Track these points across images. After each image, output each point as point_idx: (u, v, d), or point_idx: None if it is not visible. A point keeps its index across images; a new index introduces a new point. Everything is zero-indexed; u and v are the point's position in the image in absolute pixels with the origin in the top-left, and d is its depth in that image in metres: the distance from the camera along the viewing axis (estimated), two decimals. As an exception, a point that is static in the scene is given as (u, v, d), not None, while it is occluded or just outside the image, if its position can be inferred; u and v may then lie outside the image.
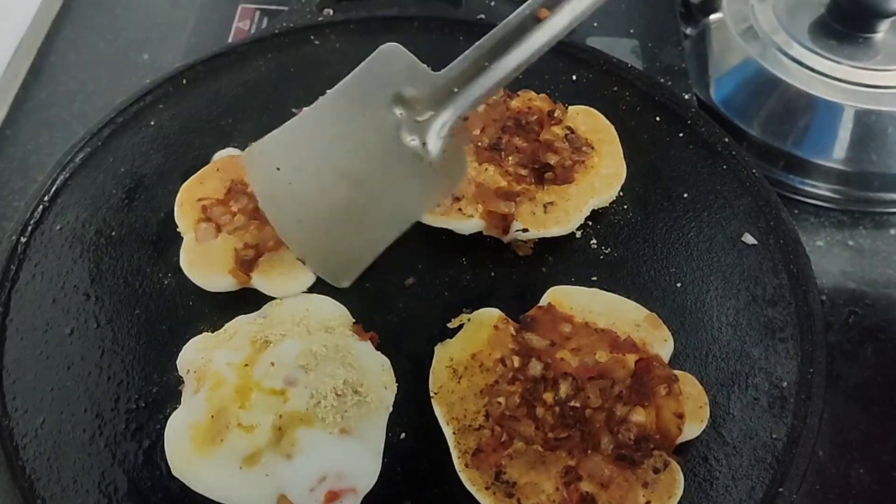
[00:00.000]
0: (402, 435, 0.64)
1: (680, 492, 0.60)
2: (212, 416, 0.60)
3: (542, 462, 0.60)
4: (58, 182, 0.79)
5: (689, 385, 0.65)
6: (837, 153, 0.88)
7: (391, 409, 0.64)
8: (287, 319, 0.67)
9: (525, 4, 0.65)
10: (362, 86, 0.68)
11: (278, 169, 0.68)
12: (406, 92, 0.66)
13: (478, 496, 0.59)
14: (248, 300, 0.71)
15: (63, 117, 0.97)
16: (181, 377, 0.66)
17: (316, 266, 0.70)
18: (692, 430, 0.63)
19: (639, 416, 0.62)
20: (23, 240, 0.75)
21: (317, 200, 0.68)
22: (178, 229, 0.75)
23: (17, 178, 0.91)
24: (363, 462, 0.60)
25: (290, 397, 0.61)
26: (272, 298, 0.70)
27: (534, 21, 0.64)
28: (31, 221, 0.76)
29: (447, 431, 0.62)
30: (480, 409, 0.63)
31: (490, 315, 0.69)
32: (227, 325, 0.68)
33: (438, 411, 0.63)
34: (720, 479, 0.63)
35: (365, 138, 0.67)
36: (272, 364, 0.62)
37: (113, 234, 0.76)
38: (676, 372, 0.65)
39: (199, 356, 0.65)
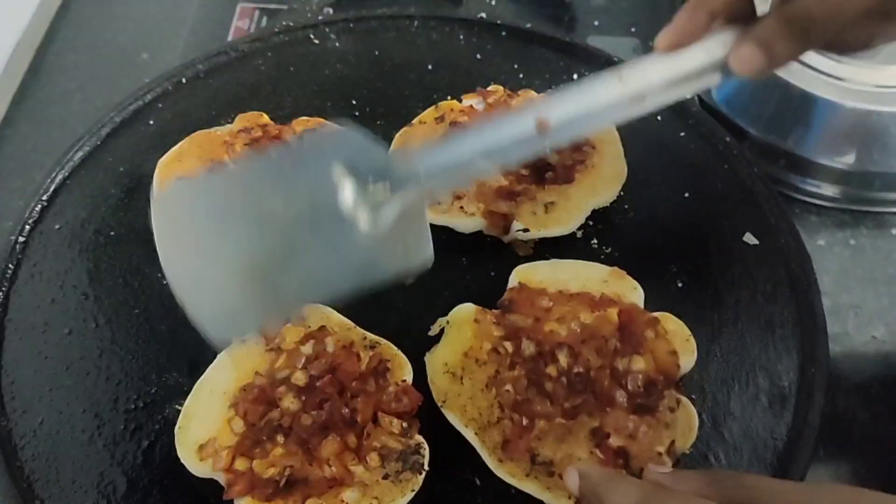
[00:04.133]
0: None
1: (696, 424, 0.63)
2: None
3: (568, 432, 0.62)
4: (56, 181, 0.79)
5: (670, 323, 0.67)
6: (839, 152, 0.87)
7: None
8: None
9: (525, 109, 0.60)
10: (304, 149, 0.63)
11: (187, 215, 0.59)
12: (358, 163, 0.58)
13: (521, 486, 0.60)
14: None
15: (62, 116, 0.96)
16: (180, 378, 0.66)
17: (198, 310, 0.57)
18: (686, 362, 0.66)
19: (639, 363, 0.64)
20: (21, 239, 0.75)
21: (225, 246, 0.58)
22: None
23: (16, 178, 0.91)
24: None
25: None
26: None
27: (534, 128, 0.59)
28: (30, 221, 0.76)
29: (468, 434, 0.63)
30: (493, 403, 0.63)
31: (467, 311, 0.69)
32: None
33: (452, 418, 0.63)
34: (721, 479, 0.63)
35: (296, 192, 0.58)
36: None
37: (112, 233, 0.76)
38: (654, 314, 0.68)
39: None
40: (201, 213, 0.59)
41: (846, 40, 0.60)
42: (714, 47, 0.58)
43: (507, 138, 0.59)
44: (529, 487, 0.60)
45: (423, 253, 0.61)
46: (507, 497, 0.61)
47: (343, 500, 0.59)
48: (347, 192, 0.57)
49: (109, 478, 0.62)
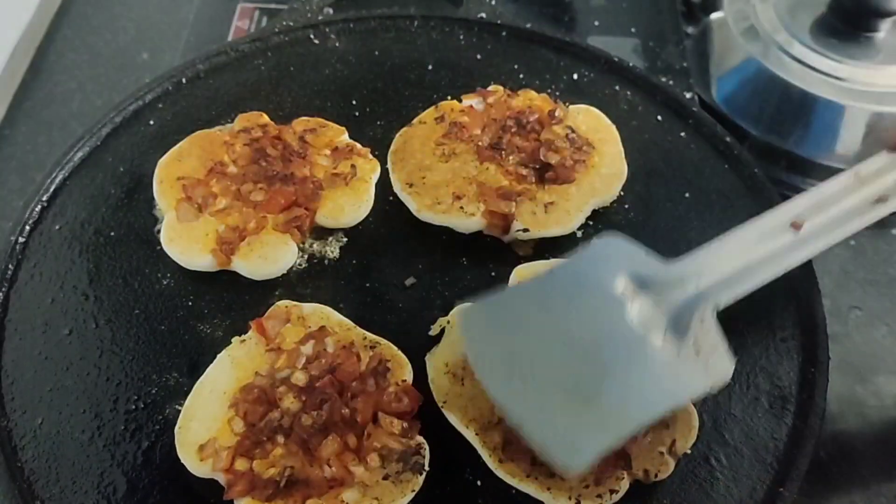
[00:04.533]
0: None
1: (697, 424, 0.62)
2: None
3: None
4: (56, 181, 0.79)
5: None
6: (839, 152, 0.87)
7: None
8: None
9: (777, 211, 0.65)
10: (583, 265, 0.63)
11: (496, 330, 0.61)
12: (635, 273, 0.61)
13: (521, 486, 0.60)
14: (246, 294, 0.71)
15: (62, 116, 0.97)
16: (180, 378, 0.66)
17: (541, 437, 0.57)
18: None
19: None
20: (21, 239, 0.75)
21: (540, 367, 0.59)
22: (157, 207, 0.75)
23: (16, 178, 0.91)
24: None
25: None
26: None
27: (790, 233, 0.64)
28: (30, 221, 0.76)
29: (468, 434, 0.63)
30: (493, 404, 0.63)
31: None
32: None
33: (453, 418, 0.63)
34: (721, 480, 0.63)
35: (589, 313, 0.60)
36: None
37: (112, 233, 0.76)
38: None
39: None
40: (509, 330, 0.60)
41: None
42: None
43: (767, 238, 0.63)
44: (529, 488, 0.60)
45: (724, 366, 0.60)
46: (507, 497, 0.61)
47: (343, 501, 0.58)
48: (636, 308, 0.59)
49: (109, 478, 0.62)
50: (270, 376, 0.64)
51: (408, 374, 0.65)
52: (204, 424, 0.62)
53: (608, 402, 0.57)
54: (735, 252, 0.64)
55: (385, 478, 0.60)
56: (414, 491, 0.60)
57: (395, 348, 0.67)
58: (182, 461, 0.61)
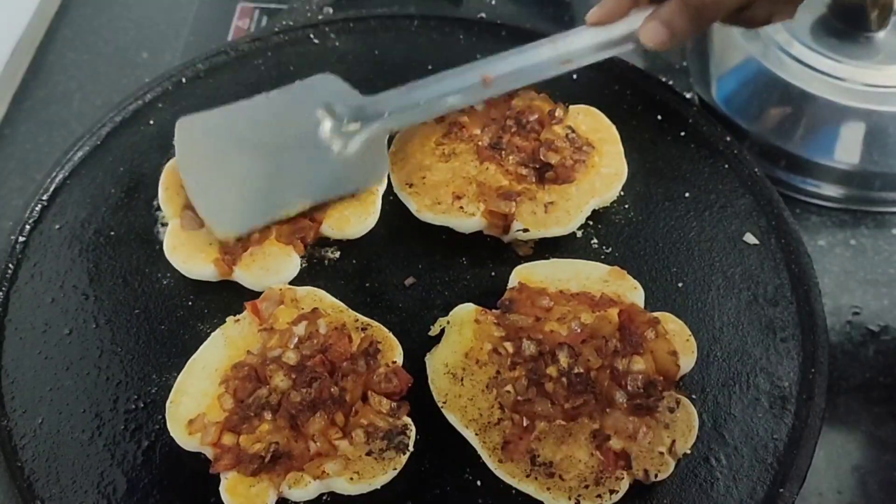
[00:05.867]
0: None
1: (697, 424, 0.63)
2: None
3: (569, 434, 0.62)
4: (56, 181, 0.79)
5: (671, 322, 0.68)
6: (839, 152, 0.87)
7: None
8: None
9: (472, 66, 0.77)
10: (295, 92, 0.79)
11: (202, 138, 0.77)
12: (336, 104, 0.77)
13: (521, 486, 0.60)
14: (246, 294, 0.71)
15: (62, 116, 0.97)
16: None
17: (207, 211, 0.72)
18: (686, 363, 0.66)
19: (639, 364, 0.64)
20: (21, 239, 0.75)
21: (230, 163, 0.75)
22: (161, 214, 0.75)
23: (16, 177, 0.91)
24: None
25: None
26: (252, 292, 0.71)
27: (480, 82, 0.76)
28: (30, 221, 0.76)
29: (468, 434, 0.63)
30: (493, 404, 0.63)
31: (468, 311, 0.69)
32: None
33: (453, 419, 0.63)
34: (721, 480, 0.63)
35: (287, 124, 0.77)
36: None
37: (112, 233, 0.76)
38: (655, 314, 0.67)
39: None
40: (214, 138, 0.77)
41: (745, 18, 0.75)
42: (631, 23, 0.75)
43: (457, 88, 0.77)
44: (529, 488, 0.60)
45: (381, 174, 0.77)
46: (507, 497, 0.61)
47: (325, 472, 0.59)
48: (325, 126, 0.77)
49: (109, 478, 0.62)
50: (262, 355, 0.65)
51: (398, 356, 0.66)
52: (195, 400, 0.63)
53: (278, 190, 0.74)
54: (422, 92, 0.77)
55: (368, 454, 0.60)
56: (395, 469, 0.60)
57: (386, 330, 0.67)
58: (171, 434, 0.62)
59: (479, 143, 0.79)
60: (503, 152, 0.78)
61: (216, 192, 0.73)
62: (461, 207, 0.75)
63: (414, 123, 0.78)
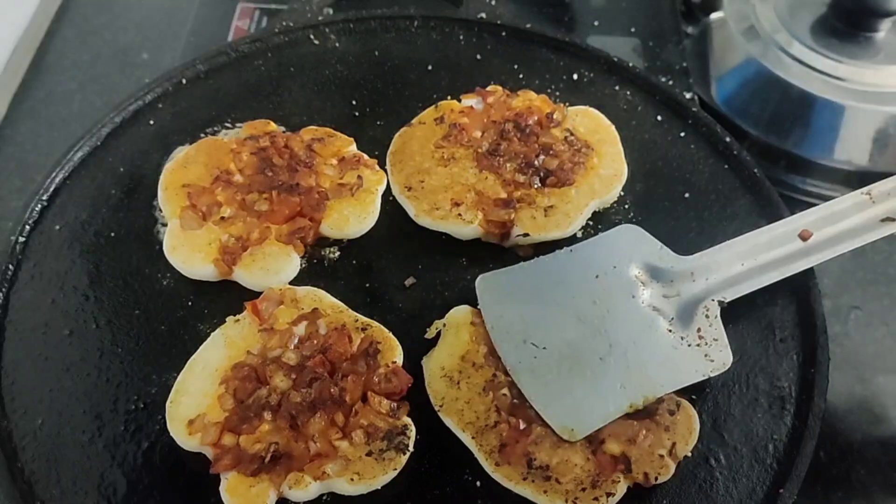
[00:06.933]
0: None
1: (697, 426, 0.63)
2: None
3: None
4: (56, 181, 0.79)
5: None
6: (839, 153, 0.88)
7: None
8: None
9: (788, 221, 0.71)
10: (601, 248, 0.71)
11: (512, 299, 0.67)
12: (649, 262, 0.69)
13: (517, 490, 0.60)
14: (246, 294, 0.71)
15: (62, 116, 0.97)
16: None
17: (544, 407, 0.63)
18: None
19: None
20: (21, 240, 0.75)
21: (552, 336, 0.65)
22: (161, 214, 0.75)
23: (16, 178, 0.91)
24: None
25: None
26: (252, 292, 0.71)
27: (797, 242, 0.70)
28: (30, 221, 0.76)
29: (465, 438, 0.63)
30: (490, 407, 0.63)
31: (464, 313, 0.69)
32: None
33: (449, 422, 0.63)
34: (720, 480, 0.63)
35: (602, 292, 0.67)
36: None
37: (112, 234, 0.76)
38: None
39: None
40: (522, 300, 0.67)
41: None
42: None
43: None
44: (526, 491, 0.60)
45: (724, 357, 0.65)
46: (507, 498, 0.61)
47: (325, 472, 0.59)
48: (647, 294, 0.67)
49: (110, 479, 0.62)
50: (262, 355, 0.65)
51: (398, 356, 0.66)
52: (195, 400, 0.63)
53: (611, 379, 0.63)
54: (745, 253, 0.70)
55: (368, 454, 0.61)
56: (396, 470, 0.60)
57: (387, 331, 0.67)
58: (171, 434, 0.62)
59: (479, 149, 0.78)
60: (501, 159, 0.77)
61: (549, 378, 0.63)
62: (459, 214, 0.74)
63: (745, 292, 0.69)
